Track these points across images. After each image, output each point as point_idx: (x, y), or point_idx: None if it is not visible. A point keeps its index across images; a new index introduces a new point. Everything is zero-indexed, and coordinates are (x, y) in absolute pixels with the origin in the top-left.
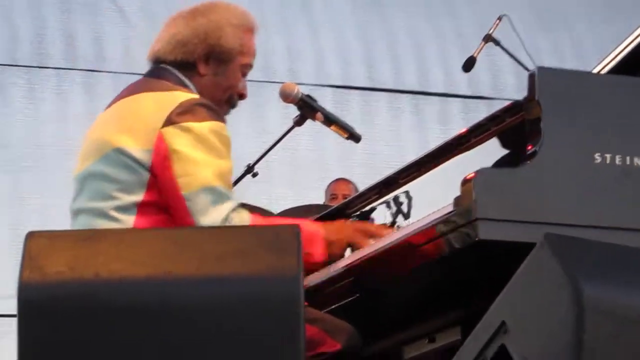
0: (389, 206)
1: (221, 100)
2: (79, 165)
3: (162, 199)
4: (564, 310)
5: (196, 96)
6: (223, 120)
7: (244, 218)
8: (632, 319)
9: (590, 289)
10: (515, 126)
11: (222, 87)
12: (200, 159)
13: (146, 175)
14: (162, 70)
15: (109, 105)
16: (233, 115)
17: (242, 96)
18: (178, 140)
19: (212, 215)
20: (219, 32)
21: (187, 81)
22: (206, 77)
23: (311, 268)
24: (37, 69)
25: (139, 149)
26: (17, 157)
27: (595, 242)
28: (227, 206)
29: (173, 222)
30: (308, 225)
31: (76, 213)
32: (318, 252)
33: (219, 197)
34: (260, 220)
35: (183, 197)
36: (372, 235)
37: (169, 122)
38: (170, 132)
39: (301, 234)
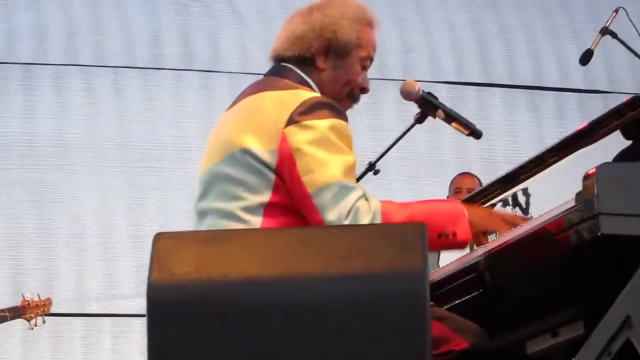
0: (507, 203)
1: (342, 95)
2: (204, 166)
3: (289, 200)
4: None
5: (318, 95)
6: (345, 119)
7: (373, 205)
8: None
9: None
10: (636, 120)
11: (341, 82)
12: (322, 156)
13: (272, 177)
14: (283, 68)
15: (232, 105)
16: (350, 113)
17: (364, 90)
18: (300, 138)
19: (338, 209)
20: (335, 25)
21: (307, 78)
22: (325, 71)
23: (454, 247)
24: (154, 70)
25: (264, 150)
26: (136, 157)
27: None
28: (353, 196)
29: (300, 223)
30: (452, 205)
31: (202, 214)
32: (462, 231)
33: (343, 190)
34: (391, 207)
35: (309, 195)
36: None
37: (291, 121)
38: (293, 131)
39: (445, 213)
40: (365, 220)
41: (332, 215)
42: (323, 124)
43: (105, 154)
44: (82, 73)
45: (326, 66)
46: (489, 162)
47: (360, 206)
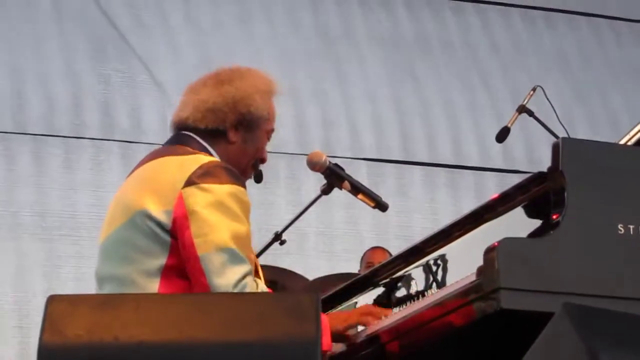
0: (423, 271)
1: (247, 166)
2: (104, 232)
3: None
4: None
5: (217, 159)
6: (244, 185)
7: (261, 287)
8: None
9: (608, 359)
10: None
11: (249, 154)
12: (217, 221)
13: (167, 239)
14: (184, 136)
15: (133, 171)
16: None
17: (262, 160)
18: (196, 200)
19: (226, 276)
20: (249, 100)
21: (209, 148)
22: (234, 144)
23: None
24: (74, 139)
25: (160, 210)
26: (54, 225)
27: (613, 312)
28: (242, 269)
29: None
30: None
31: (102, 281)
32: (324, 342)
33: (233, 258)
34: None
35: (199, 257)
36: (375, 317)
37: (190, 182)
38: (190, 193)
39: None
40: None
41: (218, 282)
42: (222, 188)
43: (23, 221)
44: (1, 140)
45: (236, 139)
46: (407, 239)
47: (247, 282)
